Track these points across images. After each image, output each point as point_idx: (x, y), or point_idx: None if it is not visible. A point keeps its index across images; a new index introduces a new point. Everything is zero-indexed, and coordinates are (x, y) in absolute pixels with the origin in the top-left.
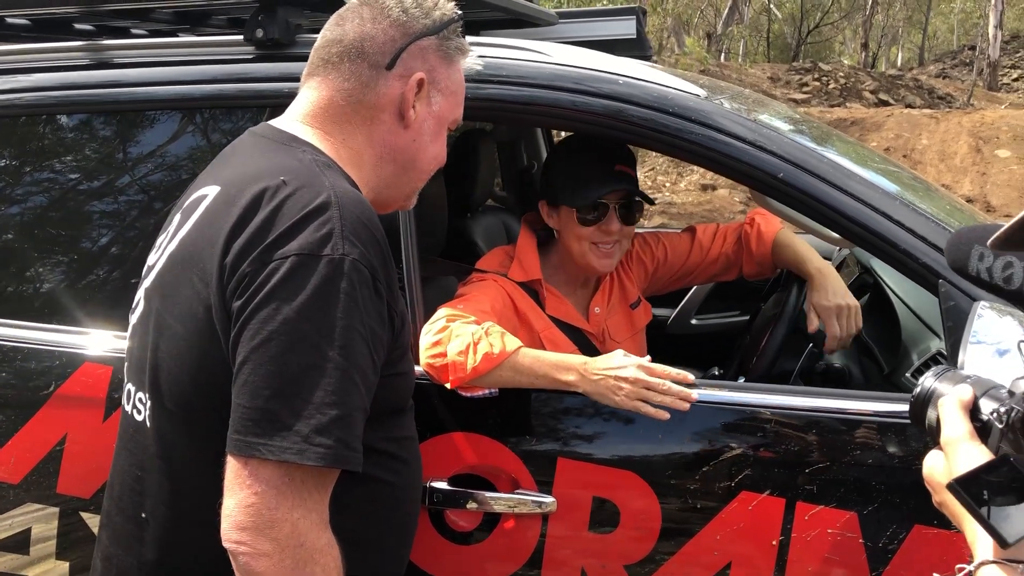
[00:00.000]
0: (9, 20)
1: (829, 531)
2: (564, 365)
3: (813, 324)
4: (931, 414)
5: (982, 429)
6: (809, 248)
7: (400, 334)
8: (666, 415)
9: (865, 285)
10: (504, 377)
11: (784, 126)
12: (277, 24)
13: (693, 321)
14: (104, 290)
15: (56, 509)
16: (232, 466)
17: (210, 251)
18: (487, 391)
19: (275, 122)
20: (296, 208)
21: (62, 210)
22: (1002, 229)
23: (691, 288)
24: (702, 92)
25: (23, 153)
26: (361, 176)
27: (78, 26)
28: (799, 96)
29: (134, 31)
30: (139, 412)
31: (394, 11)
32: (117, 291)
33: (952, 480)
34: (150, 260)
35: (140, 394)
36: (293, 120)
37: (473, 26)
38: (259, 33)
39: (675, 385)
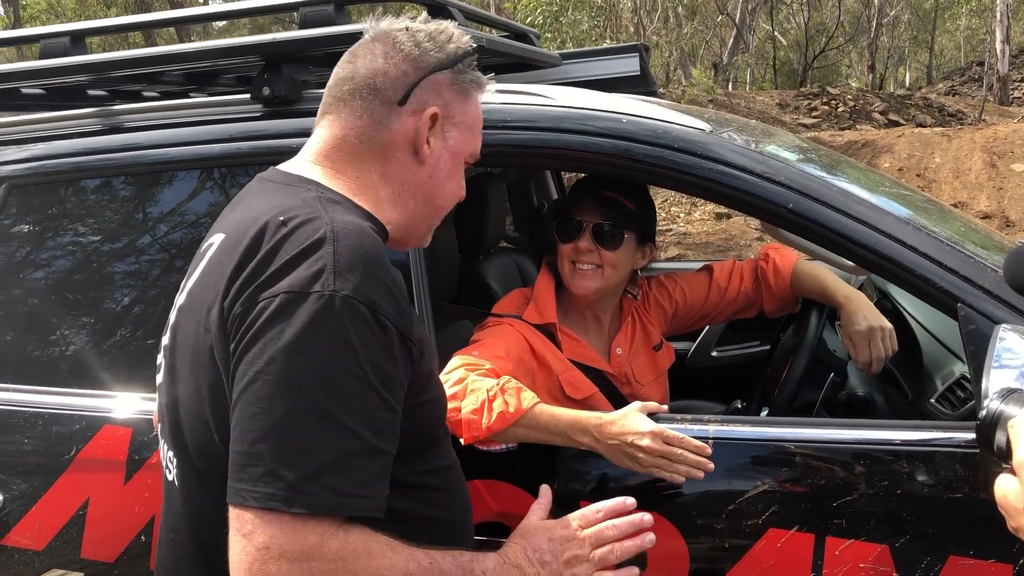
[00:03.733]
0: (24, 91)
1: (861, 565)
2: (579, 426)
3: (855, 353)
4: (1000, 437)
5: None
6: (832, 275)
7: (420, 362)
8: (681, 479)
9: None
10: (519, 434)
11: (792, 156)
12: (283, 81)
13: (714, 353)
14: (126, 351)
15: (81, 574)
16: (230, 513)
17: (213, 298)
18: (504, 446)
19: (284, 165)
20: (292, 246)
21: (82, 273)
22: None
23: None
24: (706, 126)
25: (41, 219)
26: (381, 212)
27: (91, 92)
28: (808, 121)
29: (146, 94)
30: (170, 471)
31: (407, 46)
32: (139, 352)
33: None
34: (170, 317)
35: (170, 453)
36: (304, 160)
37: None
38: (265, 91)
39: (691, 454)
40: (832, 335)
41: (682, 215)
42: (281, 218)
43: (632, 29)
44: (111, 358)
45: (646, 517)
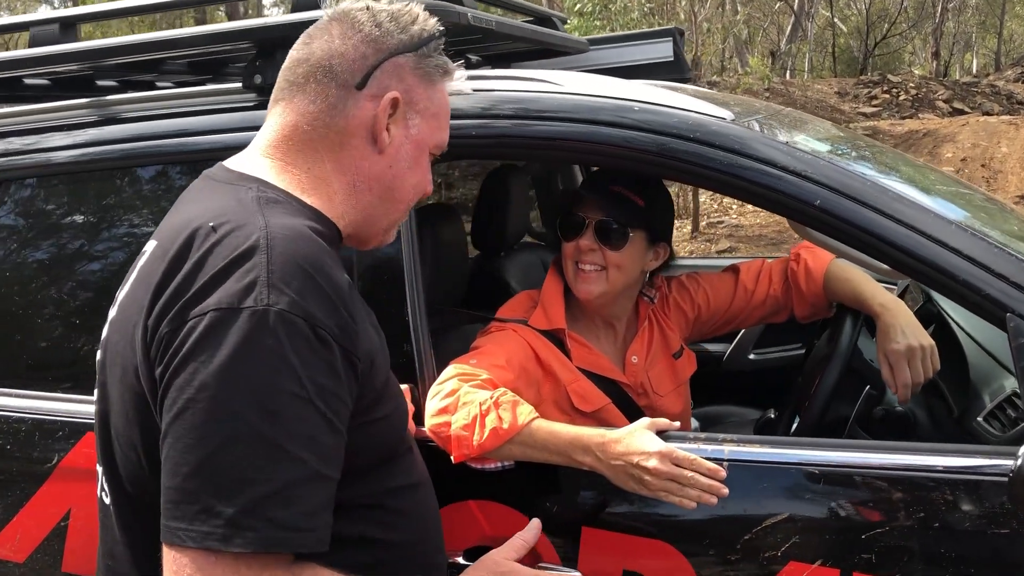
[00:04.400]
0: (28, 81)
1: None
2: (580, 444)
3: (890, 381)
4: None
5: None
6: (869, 280)
7: (368, 377)
8: (692, 504)
9: (930, 315)
10: (514, 452)
11: (823, 147)
12: (276, 69)
13: (751, 356)
14: None
15: None
16: (164, 555)
17: (138, 312)
18: (499, 464)
19: (232, 159)
20: (221, 256)
21: (65, 272)
22: None
23: None
24: (728, 114)
25: (25, 216)
26: (333, 208)
27: (100, 84)
28: (868, 109)
29: (159, 84)
30: (106, 495)
31: (366, 26)
32: None
33: None
34: (103, 331)
35: (104, 476)
36: (252, 153)
37: (502, 59)
38: (257, 79)
39: (703, 477)
40: (869, 343)
41: (735, 206)
42: (211, 224)
43: (683, 16)
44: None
45: None
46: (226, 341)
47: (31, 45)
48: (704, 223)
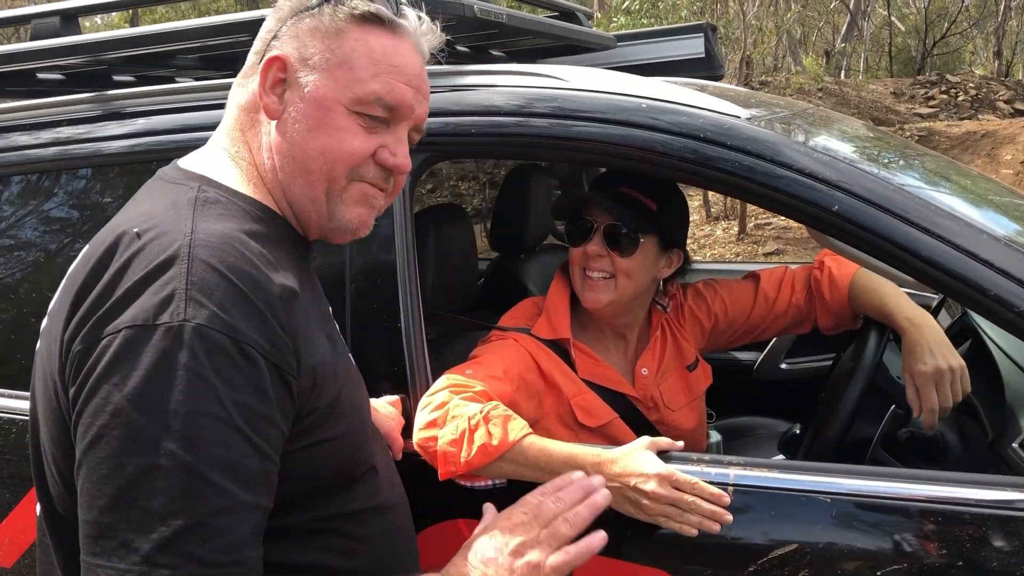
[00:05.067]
0: (41, 76)
1: None
2: (574, 463)
3: (915, 404)
4: None
5: None
6: (897, 292)
7: (313, 396)
8: (694, 531)
9: (966, 329)
10: (505, 470)
11: (849, 149)
12: None
13: (783, 365)
14: None
15: None
16: None
17: (58, 325)
18: (491, 482)
19: (186, 157)
20: (139, 267)
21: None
22: None
23: None
24: (744, 112)
25: (14, 212)
26: (268, 197)
27: (117, 78)
28: (924, 110)
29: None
30: (43, 515)
31: (279, 1)
32: None
33: None
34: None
35: (38, 494)
36: (207, 148)
37: (527, 55)
38: None
39: (705, 502)
40: (897, 357)
41: None
42: (136, 230)
43: (732, 14)
44: None
45: (596, 479)
46: (140, 362)
47: (32, 38)
48: (751, 224)
